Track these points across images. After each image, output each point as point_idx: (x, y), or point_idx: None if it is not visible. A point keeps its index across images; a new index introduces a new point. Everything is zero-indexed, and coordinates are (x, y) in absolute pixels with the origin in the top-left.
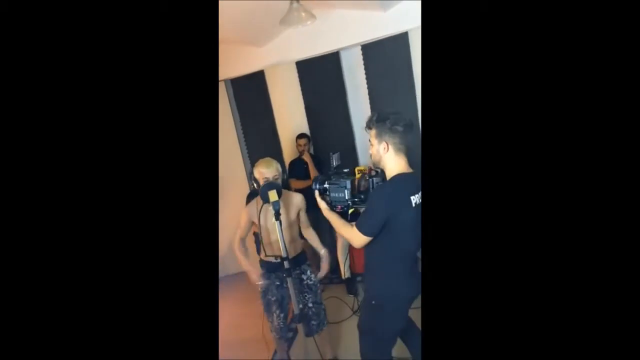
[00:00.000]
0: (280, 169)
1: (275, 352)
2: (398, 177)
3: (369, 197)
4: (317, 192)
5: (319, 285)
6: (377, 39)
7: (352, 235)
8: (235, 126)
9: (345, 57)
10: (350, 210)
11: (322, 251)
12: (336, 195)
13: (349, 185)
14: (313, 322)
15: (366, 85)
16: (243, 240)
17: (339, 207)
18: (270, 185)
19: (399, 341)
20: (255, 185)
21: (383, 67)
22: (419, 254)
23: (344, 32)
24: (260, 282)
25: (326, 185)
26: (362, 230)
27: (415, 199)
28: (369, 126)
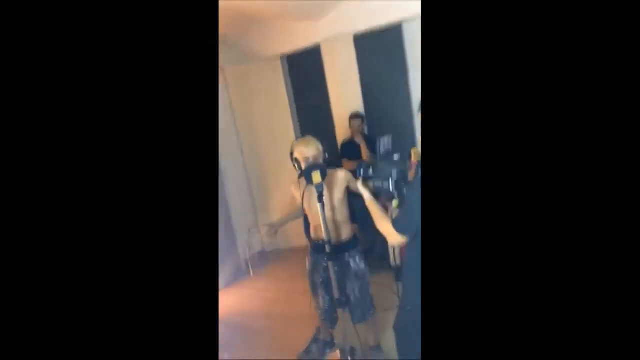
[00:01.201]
0: (321, 148)
1: (319, 331)
2: None
3: (411, 191)
4: (360, 180)
5: (367, 273)
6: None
7: (388, 231)
8: (290, 104)
9: (408, 30)
10: (395, 202)
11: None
12: (380, 184)
13: (395, 175)
14: (358, 311)
15: None
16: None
17: (382, 198)
18: (314, 166)
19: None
20: (296, 166)
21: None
22: None
23: (408, 1)
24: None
25: (371, 173)
26: (399, 228)
27: None
28: (420, 110)
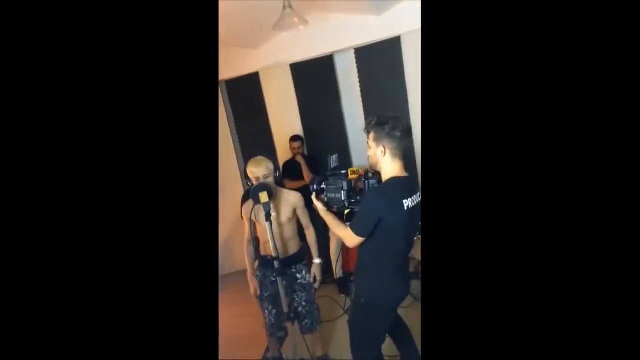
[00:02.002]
0: (271, 167)
1: (268, 349)
2: (392, 181)
3: (364, 198)
4: (314, 194)
5: (313, 285)
6: (370, 43)
7: (346, 235)
8: (230, 127)
9: (340, 60)
10: (346, 211)
11: (317, 260)
12: (333, 196)
13: (345, 187)
14: (306, 321)
15: (359, 88)
16: (250, 241)
17: (335, 207)
18: (261, 186)
19: (388, 340)
20: (249, 184)
21: (376, 71)
22: (411, 255)
23: (338, 35)
24: (255, 296)
25: (323, 186)
26: (355, 230)
27: (408, 202)
28: (367, 129)
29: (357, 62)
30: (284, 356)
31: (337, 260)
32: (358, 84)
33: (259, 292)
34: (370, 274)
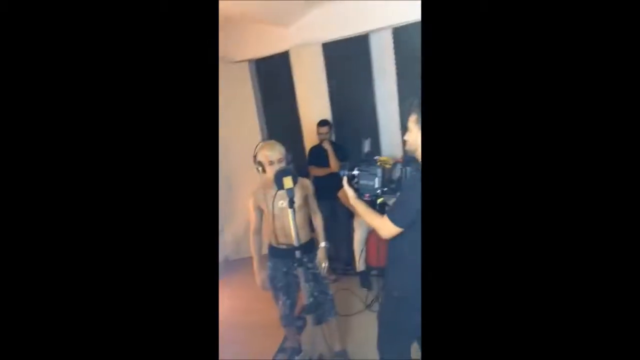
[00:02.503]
0: (284, 152)
1: (286, 339)
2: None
3: (404, 187)
4: (345, 179)
5: (328, 275)
6: (409, 23)
7: (382, 225)
8: (257, 109)
9: (375, 40)
10: (379, 200)
11: (322, 243)
12: (366, 183)
13: (380, 173)
14: (318, 312)
15: (395, 72)
16: (257, 231)
17: (367, 195)
18: (285, 171)
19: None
20: (259, 169)
21: (415, 54)
22: None
23: (375, 13)
24: (263, 287)
25: (355, 172)
26: (395, 220)
27: None
28: (409, 110)
29: (394, 43)
30: (302, 347)
31: (361, 252)
32: (394, 67)
33: (266, 284)
34: (405, 267)
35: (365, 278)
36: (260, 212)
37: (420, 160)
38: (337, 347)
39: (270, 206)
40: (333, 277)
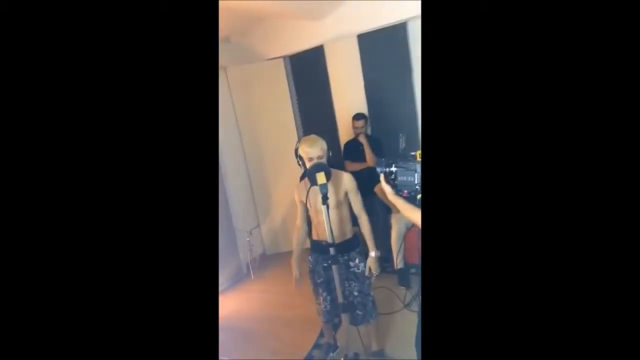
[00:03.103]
0: (325, 148)
1: (322, 333)
2: None
3: None
4: (382, 176)
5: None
6: None
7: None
8: (293, 105)
9: (413, 28)
10: (419, 196)
11: (372, 253)
12: (405, 179)
13: (419, 169)
14: (358, 312)
15: None
16: (301, 225)
17: (406, 191)
18: (318, 166)
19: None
20: (300, 163)
21: None
22: None
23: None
24: (297, 283)
25: (393, 169)
26: None
27: None
28: None
29: None
30: (338, 344)
31: (399, 250)
32: None
33: (300, 279)
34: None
35: (403, 276)
36: (304, 206)
37: None
38: (375, 347)
39: (312, 201)
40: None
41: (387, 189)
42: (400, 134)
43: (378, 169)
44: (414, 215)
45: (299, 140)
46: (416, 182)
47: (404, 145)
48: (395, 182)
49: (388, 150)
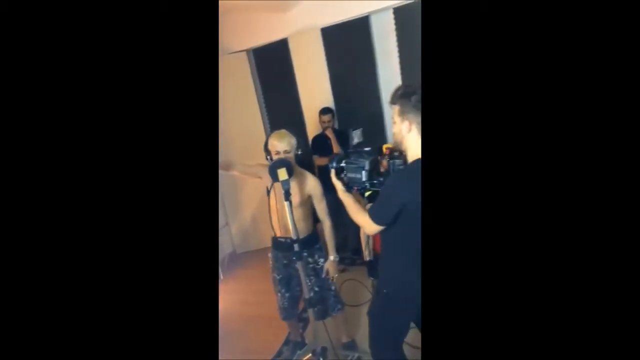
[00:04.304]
0: (294, 143)
1: (290, 333)
2: (417, 164)
3: (385, 182)
4: (333, 172)
5: (330, 279)
6: (410, 2)
7: (364, 222)
8: (258, 99)
9: (376, 22)
10: (367, 193)
11: (331, 257)
12: (353, 175)
13: (367, 166)
14: (320, 307)
15: (398, 55)
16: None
17: (356, 188)
18: (279, 162)
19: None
20: (268, 157)
21: (417, 34)
22: None
23: None
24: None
25: (343, 164)
26: (374, 218)
27: None
28: (392, 101)
29: (396, 24)
30: (306, 341)
31: (367, 241)
32: (397, 49)
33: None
34: (393, 264)
35: (373, 267)
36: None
37: (405, 153)
38: (345, 339)
39: (273, 197)
40: (341, 267)
41: (337, 185)
42: (351, 129)
43: (329, 165)
44: (357, 215)
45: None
46: (364, 179)
47: (356, 140)
48: (346, 179)
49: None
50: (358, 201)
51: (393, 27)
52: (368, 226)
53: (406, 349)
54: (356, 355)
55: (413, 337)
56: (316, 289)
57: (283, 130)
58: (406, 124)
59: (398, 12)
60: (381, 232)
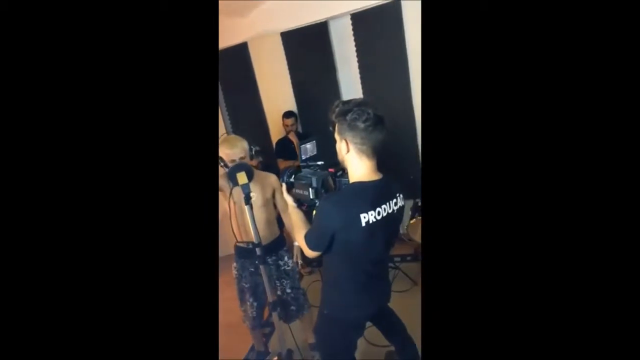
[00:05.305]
0: (246, 147)
1: (253, 346)
2: (351, 188)
3: (317, 208)
4: (284, 186)
5: (297, 270)
6: (368, 7)
7: (303, 245)
8: (219, 103)
9: (335, 27)
10: (315, 212)
11: (296, 243)
12: (301, 192)
13: (314, 183)
14: (292, 308)
15: (356, 58)
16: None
17: (305, 206)
18: (238, 166)
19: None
20: (221, 164)
21: (375, 38)
22: (408, 236)
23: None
24: None
25: (293, 180)
26: (309, 244)
27: (369, 216)
28: (331, 118)
29: (353, 29)
30: (270, 349)
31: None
32: (355, 53)
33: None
34: (331, 288)
35: None
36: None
37: (347, 172)
38: (311, 339)
39: (235, 200)
40: (308, 269)
41: (288, 200)
42: (301, 143)
43: (280, 179)
44: (300, 238)
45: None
46: (311, 196)
47: (308, 154)
48: (294, 194)
49: (319, 149)
50: (304, 221)
51: (351, 32)
52: (305, 250)
53: (367, 347)
54: None
55: (374, 335)
56: (288, 290)
57: (232, 136)
58: (344, 143)
59: (355, 17)
60: (323, 254)
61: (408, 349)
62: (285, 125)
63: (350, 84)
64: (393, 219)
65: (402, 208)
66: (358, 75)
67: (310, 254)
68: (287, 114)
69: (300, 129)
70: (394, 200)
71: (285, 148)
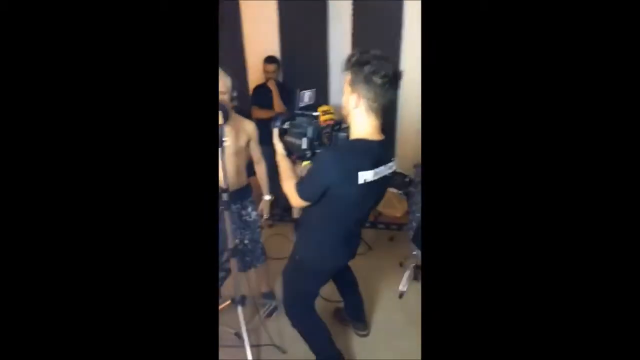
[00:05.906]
0: (229, 85)
1: None
2: (354, 144)
3: (315, 158)
4: (275, 132)
5: (259, 224)
6: None
7: (291, 193)
8: None
9: None
10: (304, 163)
11: (266, 197)
12: (293, 141)
13: (310, 133)
14: (247, 258)
15: (351, 18)
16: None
17: (294, 156)
18: None
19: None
20: None
21: (373, 5)
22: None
23: None
24: None
25: (286, 126)
26: (300, 192)
27: (366, 175)
28: (345, 68)
29: None
30: (221, 294)
31: None
32: (350, 12)
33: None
34: (310, 237)
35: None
36: None
37: (349, 129)
38: (264, 288)
39: None
40: (270, 222)
41: (277, 147)
42: (299, 90)
43: (272, 124)
44: (285, 184)
45: None
46: (304, 147)
47: (306, 101)
48: (286, 142)
49: (296, 103)
50: (292, 169)
51: None
52: (293, 198)
53: (318, 301)
54: (273, 304)
55: (329, 292)
56: (246, 241)
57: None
58: (355, 96)
59: None
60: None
61: (357, 307)
62: (265, 72)
63: (340, 42)
64: (385, 182)
65: (394, 173)
66: (350, 36)
67: (297, 203)
68: (269, 59)
69: (280, 78)
70: (389, 164)
71: (263, 96)
